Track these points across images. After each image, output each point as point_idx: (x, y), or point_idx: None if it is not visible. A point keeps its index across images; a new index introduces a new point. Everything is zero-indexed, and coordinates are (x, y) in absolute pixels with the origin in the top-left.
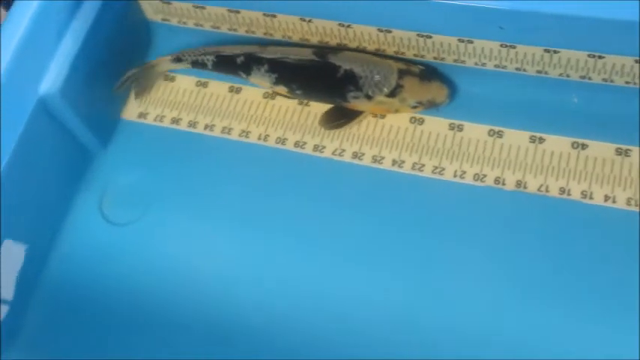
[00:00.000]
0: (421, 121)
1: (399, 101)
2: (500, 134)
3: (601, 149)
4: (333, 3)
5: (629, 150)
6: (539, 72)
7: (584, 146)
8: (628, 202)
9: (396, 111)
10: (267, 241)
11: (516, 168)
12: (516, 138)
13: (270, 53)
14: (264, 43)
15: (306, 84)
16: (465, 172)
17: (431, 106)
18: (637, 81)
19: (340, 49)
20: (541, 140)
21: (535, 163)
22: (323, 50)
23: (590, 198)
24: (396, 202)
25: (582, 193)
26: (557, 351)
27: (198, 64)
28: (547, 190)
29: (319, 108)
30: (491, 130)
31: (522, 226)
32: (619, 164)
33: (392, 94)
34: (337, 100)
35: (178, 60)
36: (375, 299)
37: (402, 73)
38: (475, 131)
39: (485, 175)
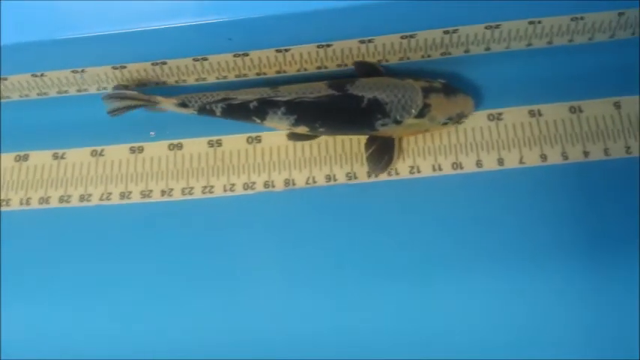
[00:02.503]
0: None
1: (429, 120)
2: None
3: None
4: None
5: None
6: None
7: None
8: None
9: (426, 131)
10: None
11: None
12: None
13: (284, 95)
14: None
15: (331, 120)
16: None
17: (460, 120)
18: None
19: (354, 78)
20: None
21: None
22: (338, 82)
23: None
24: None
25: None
26: None
27: (205, 111)
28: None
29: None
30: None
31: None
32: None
33: (421, 115)
34: (365, 131)
35: (184, 105)
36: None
37: (426, 92)
38: None
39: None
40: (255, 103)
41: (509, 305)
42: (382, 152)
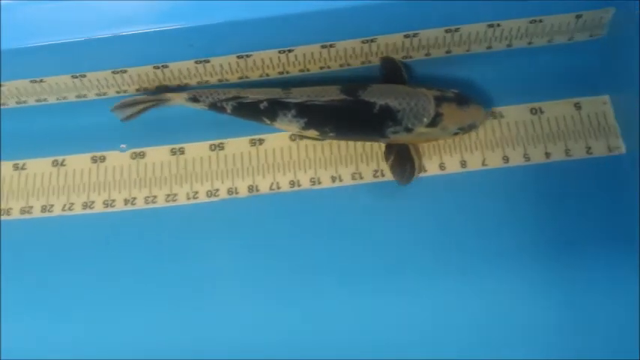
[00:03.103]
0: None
1: (441, 130)
2: None
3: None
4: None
5: None
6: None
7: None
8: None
9: (436, 140)
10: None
11: None
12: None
13: (296, 97)
14: None
15: (341, 125)
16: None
17: (470, 130)
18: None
19: (367, 84)
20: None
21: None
22: (350, 87)
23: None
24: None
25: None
26: None
27: (216, 108)
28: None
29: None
30: None
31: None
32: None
33: (432, 124)
34: (376, 138)
35: (195, 100)
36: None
37: (438, 101)
38: None
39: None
40: (265, 104)
41: (484, 306)
42: (402, 161)
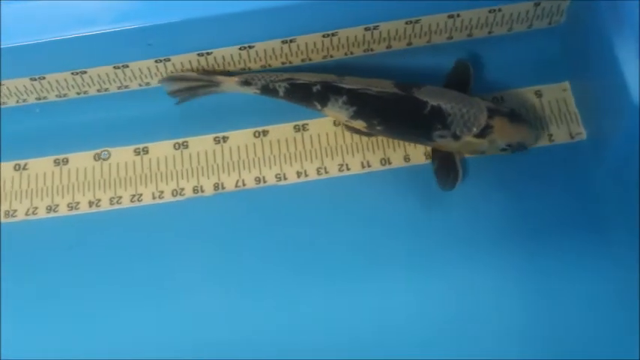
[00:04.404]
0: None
1: (488, 142)
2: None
3: None
4: None
5: None
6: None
7: None
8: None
9: (482, 152)
10: None
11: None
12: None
13: (349, 83)
14: None
15: (390, 120)
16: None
17: (519, 149)
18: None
19: (423, 83)
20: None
21: None
22: (405, 84)
23: None
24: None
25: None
26: None
27: (268, 91)
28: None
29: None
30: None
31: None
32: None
33: (481, 135)
34: (422, 139)
35: (247, 84)
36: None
37: (491, 112)
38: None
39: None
40: (318, 87)
41: (455, 298)
42: (446, 168)
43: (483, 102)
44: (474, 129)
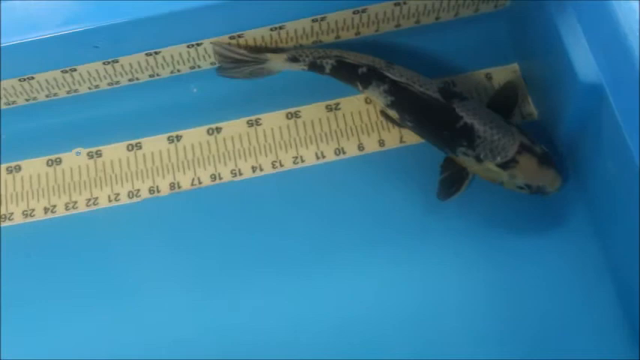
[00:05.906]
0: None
1: (508, 176)
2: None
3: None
4: None
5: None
6: None
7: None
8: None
9: (501, 183)
10: None
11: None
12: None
13: (395, 74)
14: None
15: (422, 121)
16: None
17: (537, 192)
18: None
19: (468, 97)
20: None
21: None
22: (450, 91)
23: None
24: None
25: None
26: None
27: (315, 67)
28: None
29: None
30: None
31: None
32: None
33: (503, 166)
34: (445, 150)
35: (295, 60)
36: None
37: (522, 148)
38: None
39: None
40: (364, 69)
41: (417, 285)
42: (454, 181)
43: (520, 135)
44: (498, 158)
